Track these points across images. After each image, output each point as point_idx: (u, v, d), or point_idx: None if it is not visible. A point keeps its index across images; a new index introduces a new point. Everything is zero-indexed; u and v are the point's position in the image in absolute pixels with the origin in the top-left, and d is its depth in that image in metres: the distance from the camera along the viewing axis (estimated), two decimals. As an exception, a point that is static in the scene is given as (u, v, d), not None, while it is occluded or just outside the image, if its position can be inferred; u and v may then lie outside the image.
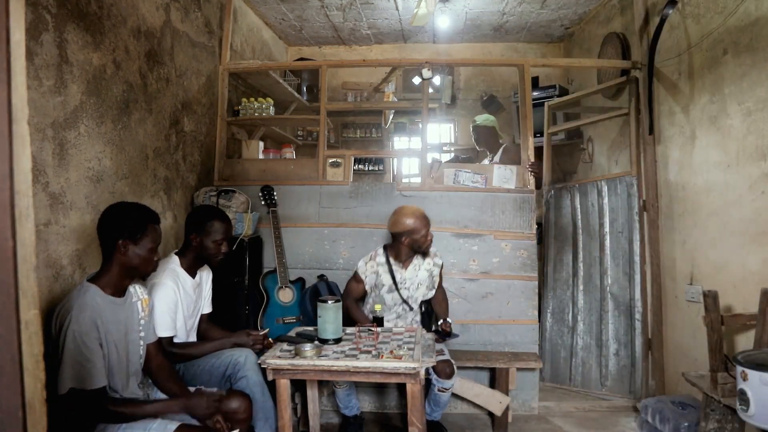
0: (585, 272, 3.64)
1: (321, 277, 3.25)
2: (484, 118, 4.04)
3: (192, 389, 2.13)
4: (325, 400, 3.20)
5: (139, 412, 1.82)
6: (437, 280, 2.92)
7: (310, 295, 3.08)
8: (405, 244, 2.78)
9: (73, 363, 1.69)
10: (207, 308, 2.54)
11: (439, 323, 2.78)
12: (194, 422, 1.98)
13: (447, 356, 2.72)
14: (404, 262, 2.86)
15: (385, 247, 2.91)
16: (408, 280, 2.85)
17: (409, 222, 2.74)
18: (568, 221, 3.77)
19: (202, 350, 2.33)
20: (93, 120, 2.34)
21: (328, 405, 3.23)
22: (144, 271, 1.95)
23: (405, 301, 2.84)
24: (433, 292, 2.92)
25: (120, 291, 1.90)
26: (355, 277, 2.90)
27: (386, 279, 2.84)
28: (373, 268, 2.87)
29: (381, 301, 2.83)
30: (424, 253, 2.85)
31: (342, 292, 3.02)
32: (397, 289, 2.83)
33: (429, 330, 2.78)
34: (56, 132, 2.10)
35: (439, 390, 2.71)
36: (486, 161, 3.98)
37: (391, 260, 2.85)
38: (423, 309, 2.91)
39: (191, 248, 2.35)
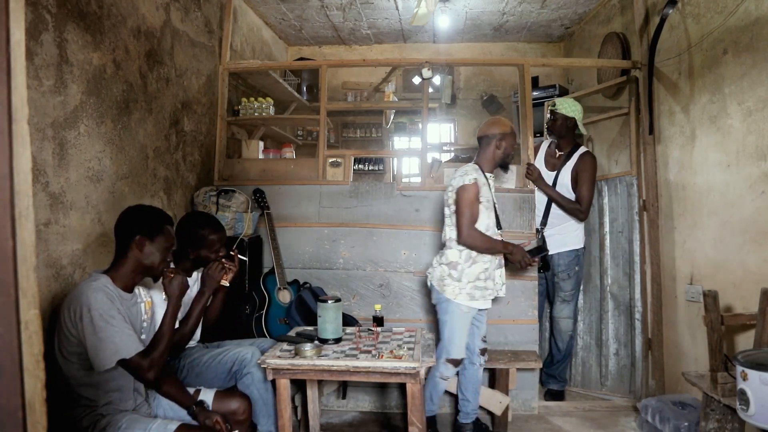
0: (585, 272, 3.64)
1: (305, 284, 3.23)
2: (569, 104, 3.31)
3: (192, 390, 2.13)
4: (324, 400, 3.20)
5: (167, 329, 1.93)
6: None
7: (296, 306, 3.03)
8: (500, 149, 2.64)
9: (110, 336, 1.75)
10: None
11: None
12: (195, 422, 1.99)
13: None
14: (492, 172, 2.70)
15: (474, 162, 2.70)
16: (494, 195, 2.71)
17: (508, 125, 2.66)
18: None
19: (192, 318, 2.28)
20: (93, 120, 2.34)
21: (327, 405, 3.24)
22: (156, 272, 1.98)
23: (497, 219, 2.69)
24: None
25: (129, 287, 1.94)
26: (472, 191, 2.53)
27: (488, 193, 2.63)
28: (481, 179, 2.60)
29: (486, 223, 2.62)
30: (506, 166, 2.74)
31: (325, 295, 3.00)
32: (494, 204, 2.67)
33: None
34: (56, 132, 2.10)
35: (481, 366, 2.79)
36: (545, 146, 3.51)
37: (486, 172, 2.67)
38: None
39: (188, 257, 2.36)
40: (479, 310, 2.70)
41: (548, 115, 3.46)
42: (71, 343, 1.78)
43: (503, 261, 2.71)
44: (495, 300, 3.26)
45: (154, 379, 1.86)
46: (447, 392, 3.06)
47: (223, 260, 2.34)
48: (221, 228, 2.41)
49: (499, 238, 2.69)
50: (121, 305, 1.85)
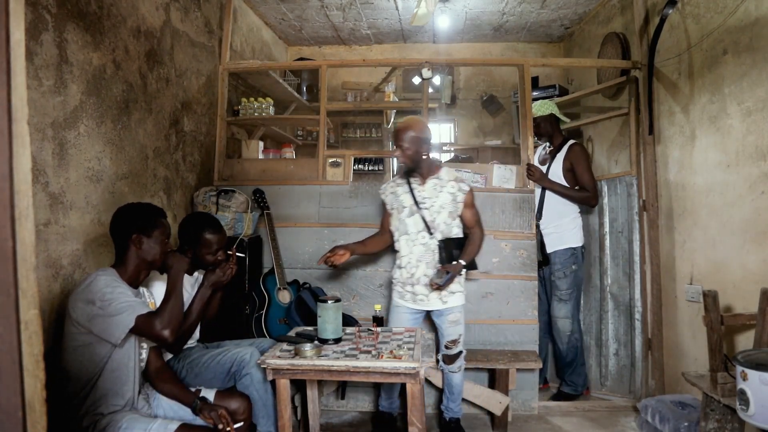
0: (585, 272, 3.64)
1: (304, 285, 3.23)
2: (539, 105, 3.46)
3: (192, 390, 2.13)
4: (324, 400, 3.20)
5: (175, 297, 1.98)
6: (461, 207, 2.67)
7: (296, 306, 3.03)
8: (426, 152, 2.61)
9: (122, 302, 1.80)
10: None
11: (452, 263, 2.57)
12: (196, 422, 1.99)
13: (458, 348, 2.76)
14: (423, 177, 2.66)
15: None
16: (428, 200, 2.64)
17: (430, 130, 2.64)
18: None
19: (194, 312, 2.24)
20: (93, 120, 2.34)
21: (327, 405, 3.24)
22: (158, 264, 2.02)
23: (427, 226, 2.62)
24: (457, 224, 2.68)
25: (134, 283, 1.97)
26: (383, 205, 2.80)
27: (406, 199, 2.66)
28: (392, 188, 2.74)
29: (404, 229, 2.66)
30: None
31: (324, 295, 3.02)
32: (419, 209, 2.62)
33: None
34: (56, 132, 2.10)
35: (449, 371, 2.81)
36: (540, 150, 3.60)
37: (410, 178, 2.68)
38: (442, 245, 2.63)
39: (188, 257, 2.36)
40: (424, 311, 2.74)
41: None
42: (81, 332, 1.79)
43: (427, 263, 2.64)
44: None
45: (172, 338, 1.87)
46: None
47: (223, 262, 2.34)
48: (220, 229, 2.40)
49: (432, 242, 2.63)
50: None
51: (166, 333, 1.85)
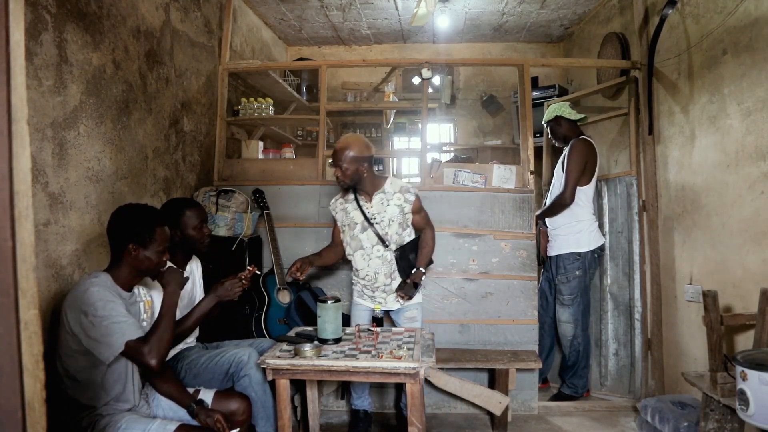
0: (594, 277, 3.62)
1: (304, 285, 3.22)
2: (548, 113, 3.48)
3: (191, 391, 2.13)
4: (324, 401, 3.20)
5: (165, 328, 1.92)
6: (410, 217, 2.69)
7: (296, 306, 3.04)
8: (367, 170, 2.59)
9: (114, 323, 1.77)
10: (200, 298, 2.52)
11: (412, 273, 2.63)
12: (194, 422, 1.99)
13: None
14: (369, 193, 2.65)
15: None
16: (377, 215, 2.64)
17: (370, 148, 2.61)
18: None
19: (193, 319, 2.24)
20: (92, 120, 2.34)
21: (327, 405, 3.23)
22: (154, 273, 1.99)
23: (381, 239, 2.63)
24: (409, 231, 2.71)
25: (128, 287, 1.95)
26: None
27: (357, 216, 2.66)
28: (342, 204, 2.73)
29: (358, 245, 2.66)
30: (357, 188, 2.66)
31: (324, 295, 3.03)
32: (371, 224, 2.63)
33: (404, 280, 2.65)
34: (56, 132, 2.10)
35: None
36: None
37: (357, 194, 2.68)
38: (398, 255, 2.65)
39: (175, 244, 2.35)
40: (386, 311, 2.79)
41: (549, 135, 3.59)
42: (75, 341, 1.78)
43: (385, 274, 2.67)
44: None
45: (158, 366, 1.83)
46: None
47: (240, 274, 2.31)
48: (198, 205, 2.45)
49: (388, 253, 2.65)
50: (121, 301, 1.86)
51: (153, 362, 1.82)
